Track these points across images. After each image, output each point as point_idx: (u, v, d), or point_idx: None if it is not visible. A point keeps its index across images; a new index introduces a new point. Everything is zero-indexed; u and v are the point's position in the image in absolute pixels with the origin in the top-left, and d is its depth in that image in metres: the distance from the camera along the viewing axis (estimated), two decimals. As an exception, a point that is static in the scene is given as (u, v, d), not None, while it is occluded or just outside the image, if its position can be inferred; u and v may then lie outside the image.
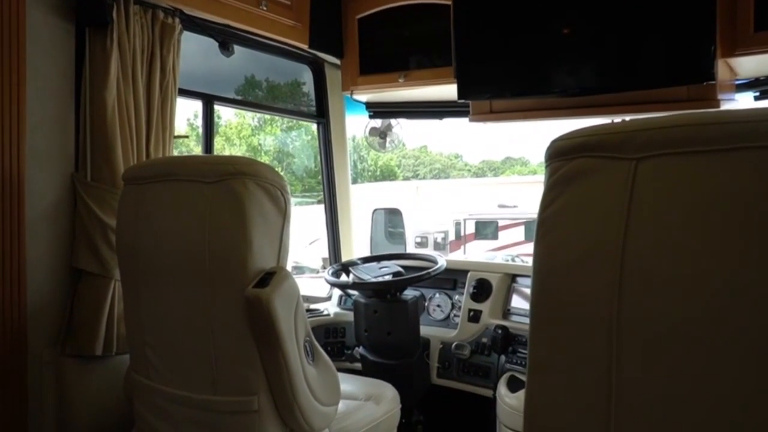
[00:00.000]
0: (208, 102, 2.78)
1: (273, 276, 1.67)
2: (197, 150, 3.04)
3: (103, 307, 2.20)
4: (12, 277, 2.07)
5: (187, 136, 2.80)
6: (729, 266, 0.87)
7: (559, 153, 1.06)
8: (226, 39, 2.68)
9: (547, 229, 1.07)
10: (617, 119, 2.61)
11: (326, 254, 3.64)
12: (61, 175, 2.21)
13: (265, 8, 2.74)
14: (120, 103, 2.22)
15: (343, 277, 2.92)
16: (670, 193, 0.93)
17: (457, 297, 2.94)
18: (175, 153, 2.56)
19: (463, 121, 3.23)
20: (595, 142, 1.02)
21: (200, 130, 2.83)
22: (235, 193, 1.64)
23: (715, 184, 0.89)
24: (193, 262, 1.69)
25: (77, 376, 2.23)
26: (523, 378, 2.43)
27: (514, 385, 2.40)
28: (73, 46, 2.21)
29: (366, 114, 3.57)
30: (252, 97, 3.60)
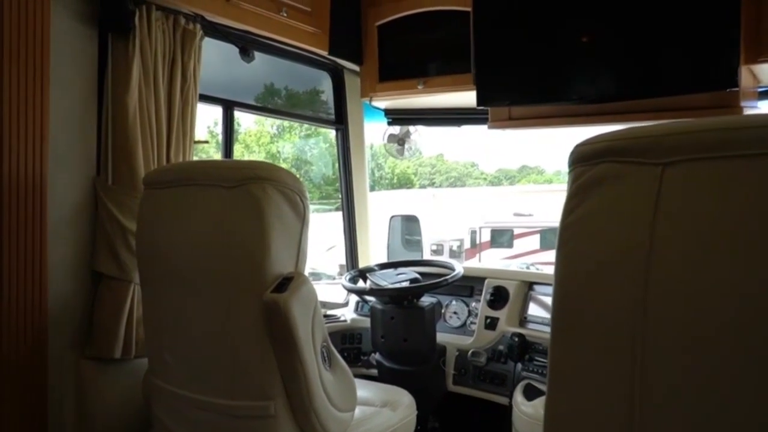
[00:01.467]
0: (228, 108, 2.79)
1: (291, 281, 1.67)
2: (217, 156, 3.06)
3: (122, 310, 2.22)
4: (34, 279, 2.09)
5: (207, 142, 2.82)
6: (759, 275, 0.85)
7: (583, 158, 1.05)
8: (246, 45, 2.70)
9: (569, 236, 1.05)
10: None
11: (343, 261, 3.64)
12: (83, 179, 2.23)
13: (285, 15, 2.76)
14: (141, 107, 2.24)
15: (360, 283, 2.91)
16: (699, 200, 0.90)
17: (473, 304, 2.92)
18: (195, 159, 2.57)
19: (479, 130, 3.23)
20: (620, 147, 1.00)
21: (220, 137, 2.85)
22: (254, 198, 1.64)
23: (744, 190, 0.87)
24: (211, 267, 1.70)
25: (96, 379, 2.24)
26: (540, 386, 2.41)
27: (530, 393, 2.37)
28: (96, 52, 2.24)
29: (384, 121, 3.58)
30: (271, 104, 3.61)
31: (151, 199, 1.87)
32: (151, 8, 2.26)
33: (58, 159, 2.14)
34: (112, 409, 2.27)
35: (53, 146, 2.11)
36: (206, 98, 2.64)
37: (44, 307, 2.12)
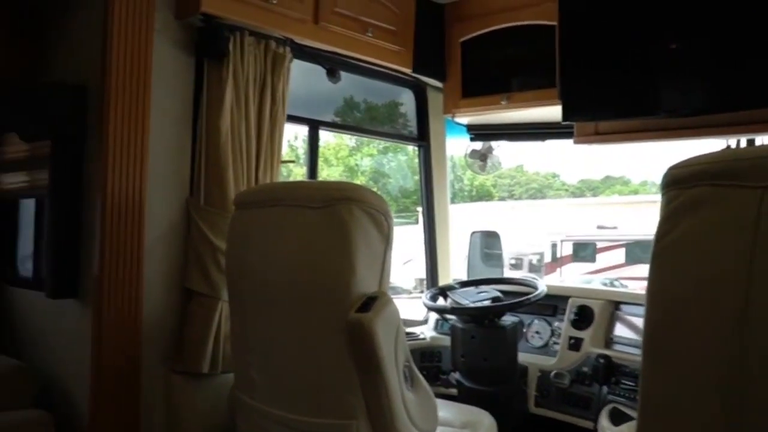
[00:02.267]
0: (314, 127, 2.87)
1: (375, 301, 1.68)
2: (297, 172, 3.13)
3: (210, 326, 2.30)
4: (131, 295, 2.21)
5: (293, 161, 2.90)
6: None
7: (676, 181, 1.02)
8: (333, 66, 2.77)
9: (662, 260, 1.02)
10: (732, 141, 2.48)
11: (420, 275, 3.64)
12: (177, 199, 2.35)
13: (370, 35, 2.81)
14: (233, 130, 2.34)
15: (441, 301, 2.90)
16: None
17: (556, 324, 2.85)
18: (281, 177, 2.65)
19: (561, 140, 3.17)
20: (717, 170, 0.97)
21: (299, 151, 2.91)
22: (340, 219, 1.67)
23: None
24: (297, 286, 1.74)
25: (185, 393, 2.33)
26: (627, 411, 2.32)
27: (617, 418, 2.30)
28: (192, 78, 2.37)
29: (464, 136, 3.57)
30: (351, 118, 3.67)
31: (241, 219, 1.94)
32: (244, 34, 2.36)
33: (156, 180, 2.27)
34: (198, 422, 2.35)
35: (152, 168, 2.24)
36: (292, 118, 2.72)
37: (139, 322, 2.24)
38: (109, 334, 2.16)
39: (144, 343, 2.26)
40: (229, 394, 2.09)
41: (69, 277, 2.28)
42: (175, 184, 2.34)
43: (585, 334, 2.71)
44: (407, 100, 3.48)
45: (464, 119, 3.43)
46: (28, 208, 2.74)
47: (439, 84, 3.33)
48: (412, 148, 3.65)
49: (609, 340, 2.69)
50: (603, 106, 2.71)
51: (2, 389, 2.26)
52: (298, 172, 3.09)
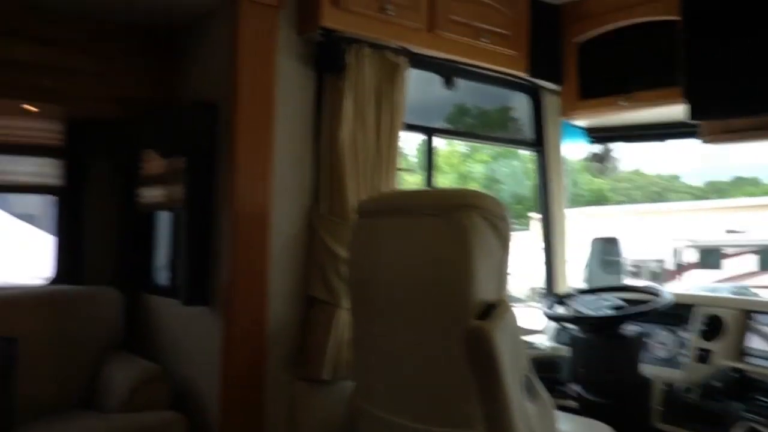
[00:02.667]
0: (429, 135, 2.89)
1: (495, 308, 1.67)
2: (409, 181, 3.16)
3: (331, 333, 2.37)
4: (257, 302, 2.33)
5: (410, 169, 2.93)
6: None
7: None
8: (449, 74, 2.78)
9: None
10: None
11: (534, 283, 3.57)
12: (300, 209, 2.44)
13: (485, 40, 2.80)
14: (352, 140, 2.40)
15: (560, 310, 2.83)
16: None
17: (683, 334, 2.70)
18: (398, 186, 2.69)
19: (682, 140, 3.02)
20: None
21: (409, 158, 2.93)
22: (460, 226, 1.67)
23: None
24: (417, 294, 1.75)
25: (306, 398, 2.42)
26: (765, 431, 2.17)
27: (752, 438, 2.15)
28: (312, 90, 2.46)
29: (579, 140, 3.48)
30: (462, 124, 3.66)
31: (362, 227, 1.98)
32: (362, 46, 2.43)
33: (280, 190, 2.38)
34: (319, 428, 2.42)
35: (277, 179, 2.35)
36: (409, 126, 2.75)
37: (265, 328, 2.35)
38: (237, 341, 2.28)
39: (269, 349, 2.36)
40: (349, 402, 2.13)
41: (201, 286, 2.42)
42: (298, 194, 2.44)
43: (715, 346, 2.55)
44: (518, 103, 3.43)
45: (582, 122, 3.34)
46: (164, 220, 2.96)
47: (555, 87, 3.27)
48: (526, 153, 3.59)
49: (742, 353, 2.52)
50: (733, 103, 2.55)
51: (141, 391, 2.43)
52: (409, 180, 3.11)
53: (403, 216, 1.83)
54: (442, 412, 1.74)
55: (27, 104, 2.56)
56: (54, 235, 3.00)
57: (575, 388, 2.69)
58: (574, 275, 3.60)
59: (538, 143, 3.38)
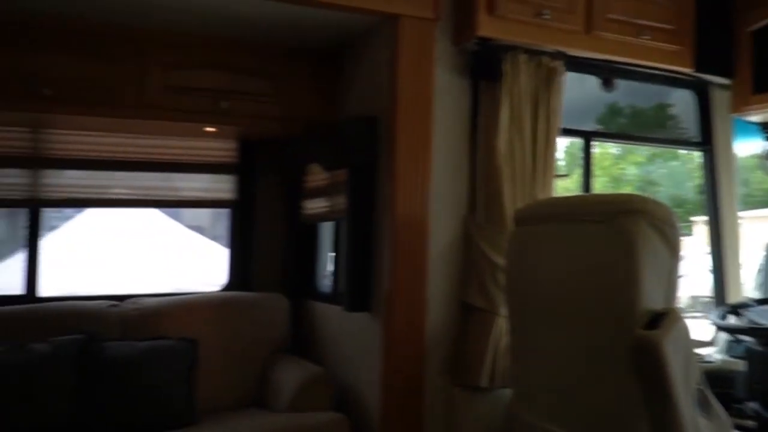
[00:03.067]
0: (587, 139, 2.81)
1: (664, 317, 1.60)
2: (560, 185, 3.07)
3: (488, 341, 2.37)
4: (416, 309, 2.39)
5: (566, 175, 2.87)
6: None
7: None
8: (607, 75, 2.69)
9: None
10: None
11: (695, 291, 3.33)
12: (455, 217, 2.47)
13: (646, 37, 2.67)
14: (508, 147, 2.39)
15: (733, 320, 2.63)
16: None
17: None
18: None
19: None
20: None
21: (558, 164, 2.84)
22: (625, 232, 1.62)
23: None
24: (579, 302, 1.71)
25: (463, 405, 2.42)
26: None
27: None
28: (468, 99, 2.49)
29: (753, 137, 3.21)
30: (614, 124, 3.51)
31: (520, 235, 1.97)
32: (517, 52, 2.41)
33: (437, 199, 2.42)
34: None
35: (434, 187, 2.40)
36: (565, 131, 2.68)
37: (423, 335, 2.40)
38: (396, 346, 2.35)
39: (427, 355, 2.41)
40: (505, 410, 2.11)
41: (363, 293, 2.52)
42: (454, 203, 2.47)
43: None
44: (678, 100, 3.22)
45: (756, 117, 3.08)
46: (327, 230, 3.12)
47: (724, 81, 3.04)
48: (688, 153, 3.36)
49: None
50: None
51: (306, 392, 2.57)
52: (560, 185, 3.03)
53: (563, 223, 1.81)
54: (604, 424, 1.68)
55: (208, 126, 2.80)
56: (226, 245, 3.26)
57: (753, 405, 2.48)
58: (745, 283, 3.32)
59: (706, 142, 3.15)
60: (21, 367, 2.30)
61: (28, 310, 2.62)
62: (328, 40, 2.77)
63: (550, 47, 2.49)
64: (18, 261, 2.87)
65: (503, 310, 2.19)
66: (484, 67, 2.41)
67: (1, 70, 2.38)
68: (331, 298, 2.91)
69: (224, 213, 3.26)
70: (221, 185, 3.15)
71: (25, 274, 2.83)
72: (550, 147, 2.48)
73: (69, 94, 2.45)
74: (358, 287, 2.52)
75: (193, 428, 2.43)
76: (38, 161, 2.80)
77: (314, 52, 2.85)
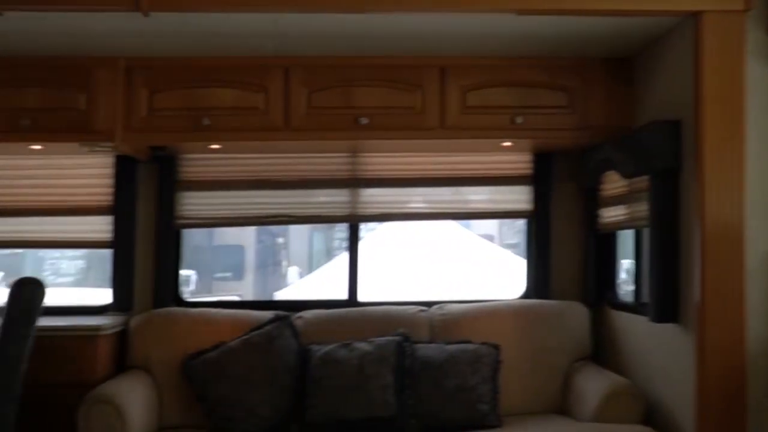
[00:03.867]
0: None
1: None
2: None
3: None
4: (733, 321, 2.22)
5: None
6: None
7: None
8: None
9: None
10: None
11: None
12: None
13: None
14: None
15: None
16: None
17: None
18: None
19: None
20: None
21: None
22: None
23: None
24: None
25: None
26: None
27: None
28: None
29: None
30: None
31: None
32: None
33: (753, 207, 2.23)
34: None
35: (749, 193, 2.22)
36: None
37: (743, 351, 2.21)
38: (712, 361, 2.20)
39: (749, 374, 2.22)
40: None
41: (671, 302, 2.41)
42: None
43: None
44: None
45: None
46: (626, 238, 3.04)
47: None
48: None
49: None
50: None
51: (613, 403, 2.52)
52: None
53: None
54: None
55: (504, 142, 2.93)
56: (520, 253, 3.35)
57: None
58: None
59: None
60: (352, 363, 2.64)
61: (353, 313, 3.02)
62: (619, 47, 2.72)
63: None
64: (329, 270, 3.29)
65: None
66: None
67: (329, 108, 2.78)
68: (633, 308, 2.83)
69: (511, 222, 3.37)
70: (517, 197, 3.27)
71: (348, 281, 3.26)
72: None
73: (380, 121, 2.77)
74: (664, 297, 2.42)
75: (498, 431, 2.56)
76: (356, 182, 3.23)
77: (605, 61, 2.82)
